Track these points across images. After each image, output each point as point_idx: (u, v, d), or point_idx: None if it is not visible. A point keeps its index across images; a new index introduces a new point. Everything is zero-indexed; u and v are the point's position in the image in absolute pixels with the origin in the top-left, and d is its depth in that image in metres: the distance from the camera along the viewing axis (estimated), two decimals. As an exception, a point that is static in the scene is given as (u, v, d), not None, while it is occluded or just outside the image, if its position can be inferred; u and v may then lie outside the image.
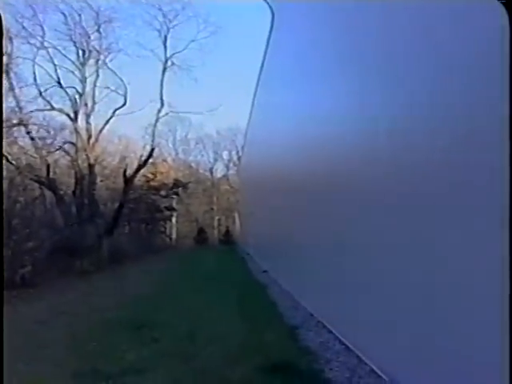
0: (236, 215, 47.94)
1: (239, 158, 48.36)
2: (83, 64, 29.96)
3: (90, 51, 29.84)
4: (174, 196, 43.69)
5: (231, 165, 56.95)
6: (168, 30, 32.55)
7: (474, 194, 3.96)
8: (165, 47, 33.11)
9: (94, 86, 30.39)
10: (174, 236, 50.52)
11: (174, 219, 49.83)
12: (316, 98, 9.51)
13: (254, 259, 24.59)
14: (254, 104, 24.13)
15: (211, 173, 57.80)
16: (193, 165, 56.99)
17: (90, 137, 29.69)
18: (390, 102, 5.65)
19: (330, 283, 8.46)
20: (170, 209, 44.24)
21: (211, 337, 8.10)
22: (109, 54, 30.79)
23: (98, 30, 29.21)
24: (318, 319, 8.95)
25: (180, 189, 43.23)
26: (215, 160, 57.96)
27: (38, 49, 27.73)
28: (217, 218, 55.69)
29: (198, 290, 14.28)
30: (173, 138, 55.56)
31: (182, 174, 49.77)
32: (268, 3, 16.50)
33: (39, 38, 27.37)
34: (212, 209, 55.89)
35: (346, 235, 7.43)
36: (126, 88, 31.53)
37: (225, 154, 57.92)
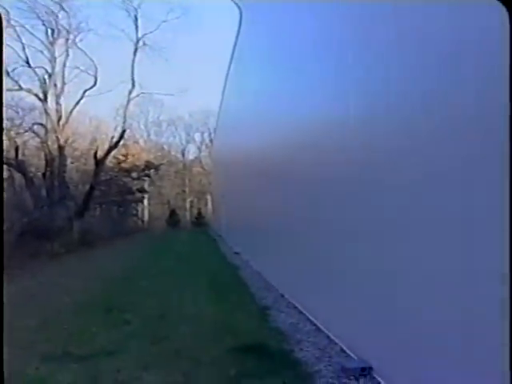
0: (208, 197, 47.92)
1: (211, 141, 48.14)
2: (52, 43, 29.41)
3: (58, 30, 29.26)
4: (146, 178, 43.40)
5: (203, 147, 56.73)
6: (136, 9, 32.08)
7: (448, 183, 4.00)
8: (136, 27, 32.70)
9: (64, 66, 29.91)
10: (145, 218, 50.27)
11: (145, 201, 49.53)
12: (289, 81, 9.49)
13: (225, 241, 24.63)
14: (226, 86, 23.99)
15: (183, 155, 57.52)
16: (165, 147, 56.62)
17: (59, 118, 29.24)
18: (364, 87, 5.67)
19: (300, 265, 8.52)
20: (142, 191, 43.93)
21: (183, 318, 8.10)
22: (78, 33, 30.28)
23: (62, 9, 28.57)
24: (289, 300, 9.02)
25: (152, 171, 42.92)
26: (187, 142, 57.67)
27: (4, 27, 27.02)
28: (189, 200, 55.56)
29: (169, 272, 14.27)
30: (144, 119, 55.07)
31: (154, 156, 49.38)
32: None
33: (4, 16, 26.68)
34: (184, 191, 55.68)
35: (317, 218, 7.47)
36: (96, 68, 31.12)
37: (197, 136, 57.65)
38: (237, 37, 18.20)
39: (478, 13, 2.52)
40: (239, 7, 16.38)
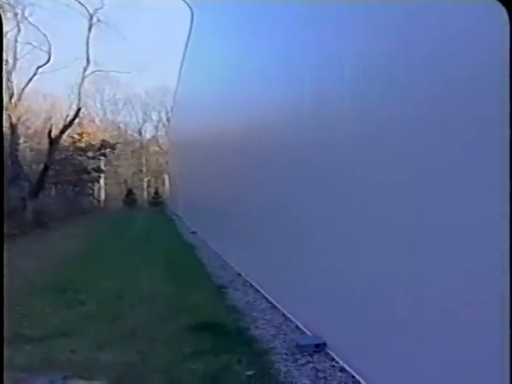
0: (165, 177, 47.51)
1: (168, 119, 47.60)
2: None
3: (1, 3, 28.18)
4: (102, 157, 42.64)
5: (160, 126, 56.02)
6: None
7: (398, 167, 4.06)
8: (84, 4, 31.79)
9: (16, 41, 28.98)
10: (102, 198, 49.51)
11: (102, 181, 48.75)
12: (245, 62, 9.43)
13: (183, 220, 24.53)
14: (183, 65, 23.69)
15: (140, 134, 56.70)
16: (121, 126, 55.70)
17: (12, 95, 28.40)
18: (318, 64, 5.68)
19: (256, 244, 8.55)
20: (98, 170, 43.16)
21: (139, 298, 8.06)
22: (24, 7, 29.21)
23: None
24: (246, 279, 9.07)
25: (108, 150, 42.17)
26: (144, 121, 56.84)
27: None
28: (146, 179, 54.96)
29: (126, 252, 14.15)
30: (100, 97, 53.97)
31: (110, 135, 48.53)
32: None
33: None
34: (141, 170, 55.03)
35: (271, 199, 7.50)
36: (49, 44, 30.27)
37: (154, 115, 56.82)
38: (192, 16, 17.97)
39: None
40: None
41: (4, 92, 27.71)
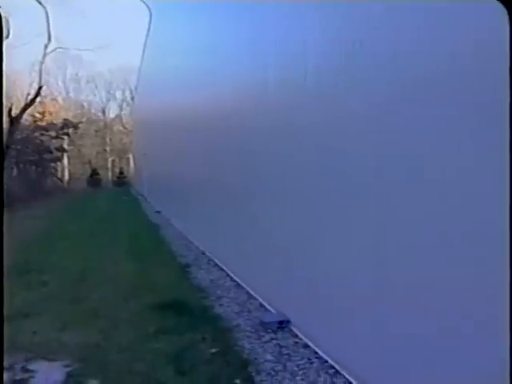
0: (130, 156, 46.95)
1: (133, 98, 46.85)
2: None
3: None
4: (65, 137, 41.80)
5: (124, 105, 55.14)
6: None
7: (360, 146, 4.07)
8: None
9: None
10: (65, 178, 48.69)
11: (65, 161, 47.88)
12: (210, 39, 9.31)
13: (147, 200, 24.33)
14: (147, 42, 23.31)
15: (104, 113, 55.70)
16: (84, 104, 54.58)
17: (-31, 73, 27.52)
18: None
19: (220, 223, 8.54)
20: (61, 150, 42.30)
21: (103, 278, 7.97)
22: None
23: None
24: (210, 257, 9.05)
25: (71, 129, 41.36)
26: (108, 100, 55.83)
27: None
28: (110, 159, 54.19)
29: (90, 232, 13.97)
30: (62, 75, 52.73)
31: (73, 114, 47.58)
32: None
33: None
34: (105, 150, 54.22)
35: (235, 178, 7.47)
36: (7, 20, 29.31)
37: (118, 94, 55.82)
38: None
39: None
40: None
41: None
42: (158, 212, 18.06)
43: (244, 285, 7.02)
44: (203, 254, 9.57)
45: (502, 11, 2.04)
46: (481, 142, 2.76)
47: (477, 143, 2.78)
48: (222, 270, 8.12)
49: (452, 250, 3.00)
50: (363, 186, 3.96)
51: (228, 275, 7.74)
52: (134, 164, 41.38)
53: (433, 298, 3.17)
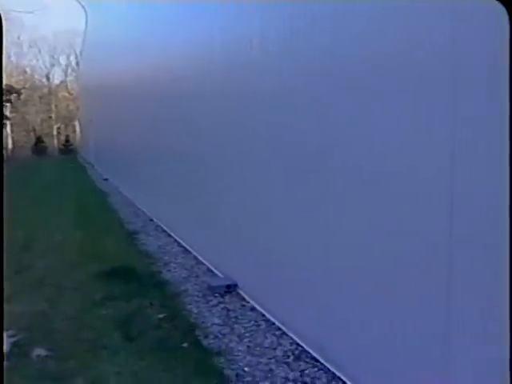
0: (76, 123, 45.79)
1: (78, 63, 45.44)
2: None
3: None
4: (7, 103, 40.35)
5: (70, 70, 53.45)
6: None
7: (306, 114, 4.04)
8: None
9: None
10: (9, 146, 47.19)
11: (8, 128, 46.32)
12: (159, 2, 9.06)
13: (95, 168, 23.88)
14: (90, 5, 22.54)
15: (48, 79, 53.89)
16: (27, 70, 52.65)
17: None
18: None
19: (167, 189, 8.44)
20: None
21: (48, 247, 7.80)
22: None
23: None
24: (158, 224, 8.97)
25: (13, 96, 39.95)
26: (52, 65, 53.98)
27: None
28: (56, 126, 52.68)
29: (36, 201, 13.59)
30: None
31: (15, 80, 45.84)
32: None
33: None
34: (50, 117, 52.64)
35: (182, 142, 7.38)
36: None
37: (62, 59, 54.00)
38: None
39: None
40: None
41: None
42: (106, 179, 17.75)
43: (192, 250, 6.99)
44: (151, 220, 9.47)
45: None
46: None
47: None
48: (170, 236, 8.06)
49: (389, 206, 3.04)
50: (308, 151, 3.95)
51: (176, 241, 7.69)
52: (81, 131, 40.45)
53: (373, 259, 3.22)
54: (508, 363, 1.77)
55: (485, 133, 2.38)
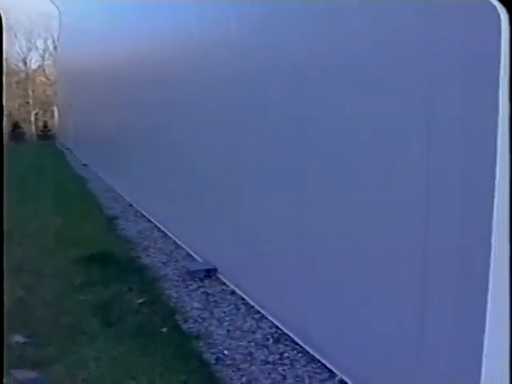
0: (55, 109, 45.18)
1: (56, 48, 44.68)
2: None
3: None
4: (-17, 89, 39.64)
5: (47, 55, 52.55)
6: None
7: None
8: None
9: None
10: (-14, 132, 46.41)
11: (-16, 114, 45.50)
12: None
13: (74, 153, 23.59)
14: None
15: (25, 63, 52.95)
16: (3, 54, 51.67)
17: None
18: None
19: (146, 173, 8.38)
20: (-21, 103, 40.19)
21: (27, 232, 7.69)
22: None
23: None
24: (137, 209, 8.91)
25: (-11, 81, 39.22)
26: (29, 49, 53.02)
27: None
28: (33, 112, 51.89)
29: (14, 188, 13.38)
30: (-23, 23, 49.54)
31: (-9, 65, 44.98)
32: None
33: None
34: (28, 103, 51.79)
35: (162, 126, 7.32)
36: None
37: (39, 43, 53.04)
38: None
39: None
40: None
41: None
42: (85, 165, 17.57)
43: (171, 235, 6.96)
44: (130, 205, 9.40)
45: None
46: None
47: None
48: (150, 221, 8.01)
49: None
50: (283, 134, 3.94)
51: (155, 226, 7.64)
52: (59, 117, 39.90)
53: (351, 244, 3.22)
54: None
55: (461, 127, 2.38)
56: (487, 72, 2.14)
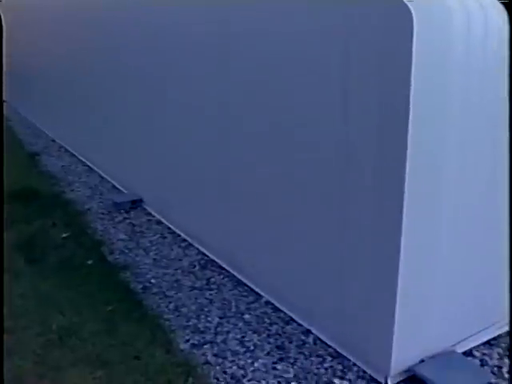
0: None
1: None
2: None
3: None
4: None
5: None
6: None
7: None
8: None
9: None
10: None
11: None
12: None
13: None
14: None
15: None
16: None
17: None
18: None
19: (69, 106, 8.00)
20: None
21: None
22: None
23: None
24: (61, 144, 8.55)
25: None
26: None
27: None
28: None
29: None
30: None
31: None
32: None
33: None
34: None
35: (81, 56, 6.98)
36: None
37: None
38: None
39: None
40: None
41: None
42: (4, 101, 16.64)
43: (96, 168, 6.75)
44: (53, 141, 8.99)
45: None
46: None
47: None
48: (74, 155, 7.70)
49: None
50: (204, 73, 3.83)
51: (80, 161, 7.36)
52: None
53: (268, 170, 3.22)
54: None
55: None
56: None
